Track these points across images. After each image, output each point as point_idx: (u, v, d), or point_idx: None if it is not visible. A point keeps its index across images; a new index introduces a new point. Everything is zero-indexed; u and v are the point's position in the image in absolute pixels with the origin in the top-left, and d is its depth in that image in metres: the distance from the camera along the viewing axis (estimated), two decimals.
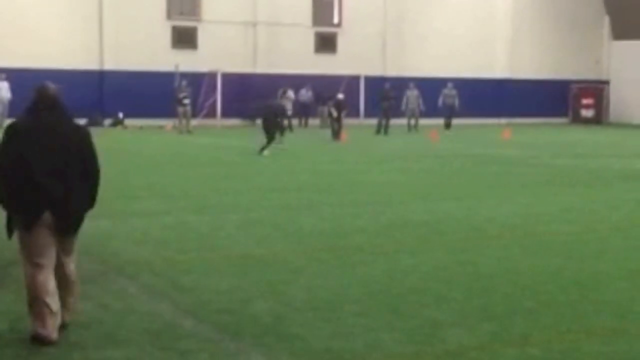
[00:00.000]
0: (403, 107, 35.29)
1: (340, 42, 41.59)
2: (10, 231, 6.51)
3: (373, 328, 6.85)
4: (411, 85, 35.89)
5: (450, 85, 36.52)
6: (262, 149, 22.44)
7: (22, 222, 6.39)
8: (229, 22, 38.79)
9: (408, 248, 10.21)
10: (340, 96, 30.61)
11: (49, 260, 6.45)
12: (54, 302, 6.36)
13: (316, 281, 8.40)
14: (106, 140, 28.40)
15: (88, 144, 6.69)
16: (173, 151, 24.36)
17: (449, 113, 36.31)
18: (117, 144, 26.72)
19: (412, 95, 35.44)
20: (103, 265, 9.01)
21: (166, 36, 38.20)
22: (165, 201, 14.04)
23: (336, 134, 29.10)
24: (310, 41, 41.07)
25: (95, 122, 35.68)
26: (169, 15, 38.38)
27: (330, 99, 34.10)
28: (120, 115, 36.09)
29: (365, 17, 41.38)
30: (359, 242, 10.55)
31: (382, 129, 33.09)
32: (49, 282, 6.39)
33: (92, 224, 11.32)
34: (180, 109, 33.12)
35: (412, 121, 35.31)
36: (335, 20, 41.85)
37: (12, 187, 6.33)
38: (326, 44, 41.42)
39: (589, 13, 46.26)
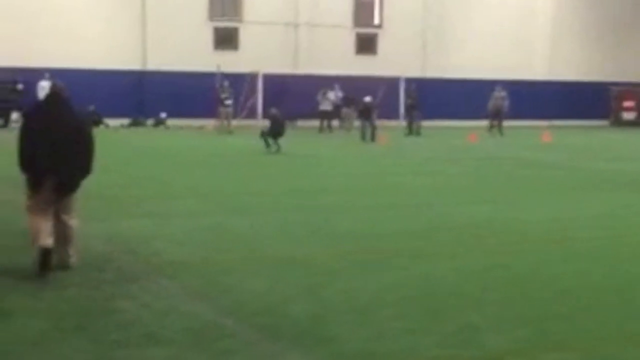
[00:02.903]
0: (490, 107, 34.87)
1: (381, 43, 41.59)
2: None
3: (410, 331, 6.89)
4: (498, 87, 35.37)
5: (499, 87, 35.85)
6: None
7: (32, 183, 8.48)
8: (271, 23, 38.97)
9: (445, 251, 10.22)
10: (368, 99, 30.55)
11: (48, 212, 8.49)
12: (48, 237, 8.38)
13: (354, 283, 8.45)
14: (148, 140, 28.69)
15: (83, 127, 8.86)
16: (213, 151, 24.54)
17: (496, 115, 35.47)
18: (159, 144, 26.99)
19: (498, 96, 34.96)
20: (145, 265, 9.13)
21: (208, 37, 38.48)
22: (206, 202, 14.18)
23: (371, 137, 29.14)
24: (350, 42, 41.13)
25: (137, 122, 36.07)
26: (211, 16, 38.66)
27: (355, 102, 34.27)
28: (163, 115, 36.39)
29: (405, 18, 41.35)
30: (396, 244, 10.58)
31: (412, 130, 33.16)
32: (47, 225, 8.42)
33: (134, 224, 11.59)
34: (221, 110, 33.38)
35: (495, 122, 34.58)
36: (376, 21, 41.84)
37: (27, 157, 8.43)
38: (367, 45, 41.45)
39: (631, 14, 45.80)
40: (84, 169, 8.73)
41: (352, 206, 13.90)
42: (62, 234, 8.63)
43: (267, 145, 23.90)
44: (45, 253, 8.31)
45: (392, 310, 7.49)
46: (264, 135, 24.31)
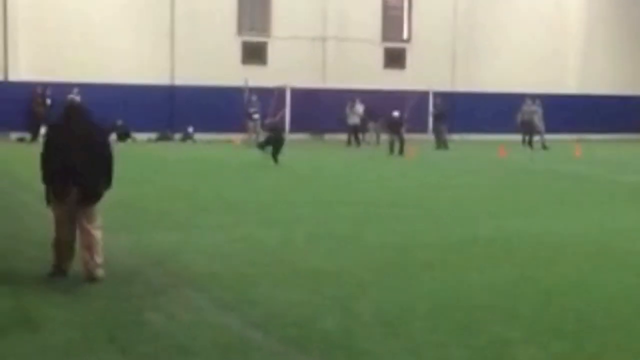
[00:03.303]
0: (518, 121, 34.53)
1: (409, 58, 41.51)
2: (48, 201, 8.91)
3: (442, 344, 6.79)
4: (529, 101, 35.02)
5: (529, 101, 35.48)
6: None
7: (56, 195, 8.77)
8: (299, 37, 39.01)
9: (477, 264, 10.10)
10: (396, 114, 30.51)
11: (71, 222, 8.83)
12: (70, 247, 8.88)
13: (384, 296, 8.36)
14: (176, 154, 28.77)
15: (103, 140, 9.25)
16: (242, 165, 24.54)
17: (528, 130, 34.79)
18: (186, 157, 27.04)
19: (527, 110, 34.56)
20: (174, 277, 9.09)
21: (236, 51, 38.57)
22: (234, 214, 14.14)
23: (399, 150, 29.08)
24: (379, 56, 41.08)
25: (165, 137, 36.19)
26: (240, 31, 38.77)
27: (376, 116, 34.27)
28: (190, 129, 36.51)
29: (434, 33, 41.24)
30: (427, 257, 10.47)
31: (441, 143, 33.08)
32: (69, 234, 8.85)
33: (163, 237, 11.56)
34: (250, 124, 33.42)
35: (537, 137, 34.06)
36: (405, 35, 41.79)
37: (52, 169, 8.76)
38: (395, 59, 41.38)
39: None
40: (105, 179, 8.95)
41: (381, 218, 13.81)
42: (87, 243, 8.80)
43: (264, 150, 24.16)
44: (57, 269, 8.90)
45: (423, 323, 7.39)
46: (261, 145, 24.62)
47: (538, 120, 34.52)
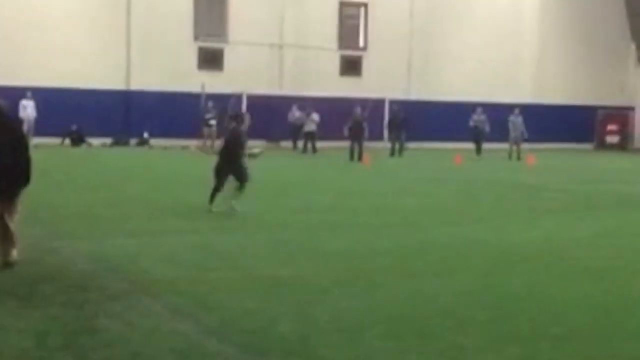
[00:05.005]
0: (511, 133, 34.65)
1: (365, 65, 41.69)
2: None
3: (399, 350, 6.81)
4: (516, 111, 35.31)
5: (479, 110, 36.07)
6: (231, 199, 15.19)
7: None
8: (256, 43, 38.99)
9: (434, 271, 10.15)
10: (358, 110, 30.87)
11: None
12: None
13: (342, 303, 8.37)
14: (132, 159, 28.57)
15: (19, 137, 9.61)
16: (198, 171, 24.39)
17: (478, 138, 35.65)
18: (142, 163, 26.86)
19: (516, 121, 34.90)
20: (129, 283, 9.02)
21: (193, 57, 38.45)
22: (191, 220, 14.07)
23: (358, 157, 29.20)
24: (335, 64, 41.20)
25: (120, 142, 35.94)
26: (196, 37, 38.64)
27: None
28: (146, 135, 36.29)
29: (390, 41, 41.48)
30: (384, 264, 10.50)
31: (396, 150, 33.31)
32: None
33: (120, 243, 11.46)
34: (205, 130, 33.36)
35: (514, 147, 34.31)
36: (361, 43, 41.96)
37: None
38: (351, 66, 41.54)
39: (616, 39, 46.12)
40: (23, 177, 9.48)
41: (339, 225, 13.82)
42: (4, 235, 9.45)
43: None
44: None
45: (380, 329, 7.41)
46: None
47: (488, 128, 35.05)
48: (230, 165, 14.99)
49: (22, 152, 9.47)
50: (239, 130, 15.13)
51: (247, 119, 15.58)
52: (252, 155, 15.39)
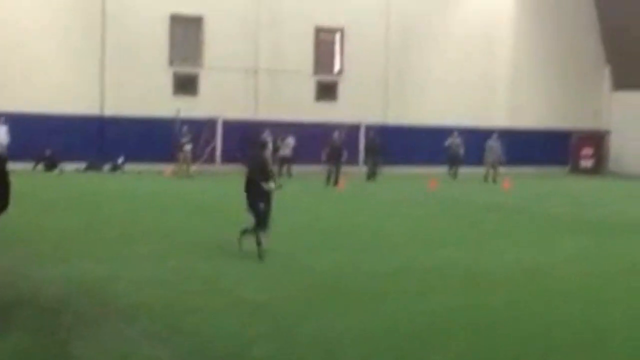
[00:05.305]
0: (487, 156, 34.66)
1: (341, 90, 41.74)
2: None
3: None
4: (494, 135, 35.47)
5: (455, 133, 36.42)
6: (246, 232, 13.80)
7: None
8: (231, 68, 38.94)
9: (412, 293, 10.11)
10: (336, 135, 30.94)
11: None
12: None
13: (321, 325, 8.28)
14: (105, 184, 28.35)
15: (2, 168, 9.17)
16: (174, 196, 24.28)
17: (453, 161, 35.94)
18: (116, 188, 26.67)
19: (494, 145, 35.07)
20: (104, 307, 8.89)
21: (168, 82, 38.31)
22: (166, 244, 13.91)
23: (334, 182, 29.16)
24: (311, 89, 41.22)
25: (94, 167, 35.70)
26: (171, 62, 38.56)
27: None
28: (120, 160, 36.08)
29: (366, 66, 41.54)
30: (362, 286, 10.44)
31: (371, 175, 33.35)
32: None
33: (93, 267, 11.30)
34: (180, 154, 33.19)
35: (492, 171, 34.26)
36: (336, 68, 42.06)
37: None
38: (327, 91, 41.55)
39: (590, 63, 46.44)
40: (2, 202, 9.01)
41: (316, 248, 13.75)
42: None
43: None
44: None
45: (359, 350, 7.34)
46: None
47: (463, 151, 35.32)
48: (258, 189, 13.83)
49: (2, 177, 9.24)
50: (263, 156, 14.66)
51: (269, 146, 15.07)
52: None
